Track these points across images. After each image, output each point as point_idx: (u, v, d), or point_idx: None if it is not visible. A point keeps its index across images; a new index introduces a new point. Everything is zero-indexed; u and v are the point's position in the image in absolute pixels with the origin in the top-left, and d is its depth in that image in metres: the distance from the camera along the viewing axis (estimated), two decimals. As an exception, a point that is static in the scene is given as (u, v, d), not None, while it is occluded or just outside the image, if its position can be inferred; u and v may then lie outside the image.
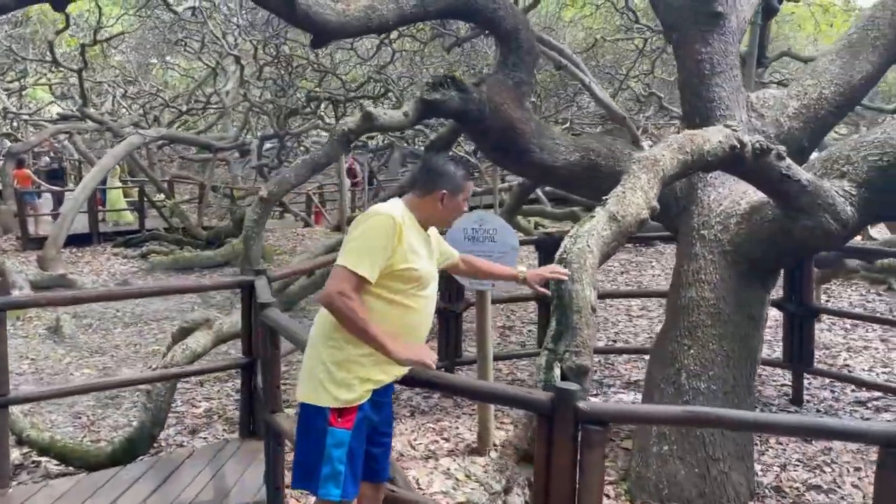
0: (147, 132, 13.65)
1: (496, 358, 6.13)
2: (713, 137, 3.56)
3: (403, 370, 2.64)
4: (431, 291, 2.70)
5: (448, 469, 4.40)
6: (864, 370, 6.32)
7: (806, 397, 5.60)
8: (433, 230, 2.82)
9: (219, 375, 6.05)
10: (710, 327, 4.29)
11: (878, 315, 7.60)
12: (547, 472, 2.18)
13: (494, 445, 4.78)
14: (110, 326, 8.61)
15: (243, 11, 14.86)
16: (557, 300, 2.99)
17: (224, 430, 5.20)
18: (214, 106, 18.92)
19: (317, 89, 15.38)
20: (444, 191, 2.65)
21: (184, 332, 5.54)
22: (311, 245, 15.16)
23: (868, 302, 8.85)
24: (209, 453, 3.98)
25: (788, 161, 3.75)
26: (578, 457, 2.15)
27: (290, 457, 3.34)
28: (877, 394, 5.67)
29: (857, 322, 7.72)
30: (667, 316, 4.63)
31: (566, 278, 2.92)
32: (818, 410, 5.45)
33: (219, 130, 19.51)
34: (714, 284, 4.36)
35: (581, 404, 2.14)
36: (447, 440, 4.90)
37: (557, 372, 2.81)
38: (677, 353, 4.32)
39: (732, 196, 4.57)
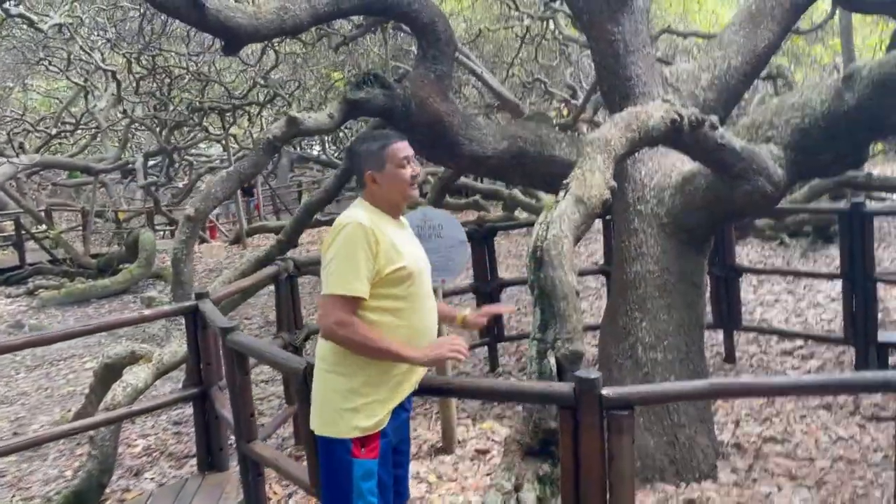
0: (19, 160, 12.67)
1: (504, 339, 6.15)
2: (655, 113, 3.63)
3: (420, 377, 2.53)
4: (427, 283, 2.58)
5: (417, 473, 4.32)
6: (780, 322, 6.69)
7: (737, 354, 5.86)
8: None
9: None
10: (658, 298, 4.40)
11: (796, 270, 8.05)
12: (575, 464, 2.15)
13: (459, 442, 4.74)
14: (11, 373, 7.95)
15: (110, 24, 14.05)
16: (539, 290, 2.97)
17: (170, 467, 4.90)
18: (87, 126, 17.83)
19: (199, 100, 14.76)
20: (369, 171, 2.50)
21: (110, 369, 5.18)
22: (211, 262, 14.59)
23: (766, 258, 9.38)
24: (170, 494, 3.73)
25: (721, 130, 3.88)
26: (606, 445, 2.13)
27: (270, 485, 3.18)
28: (798, 342, 6.01)
29: (763, 278, 8.18)
30: (613, 291, 4.72)
31: (511, 312, 2.93)
32: (751, 365, 5.72)
33: (94, 152, 18.42)
34: (657, 257, 4.47)
35: (605, 391, 2.12)
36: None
37: (552, 360, 2.79)
38: (630, 327, 4.41)
39: (662, 170, 4.70)
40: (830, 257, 8.90)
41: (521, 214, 12.38)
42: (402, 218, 2.64)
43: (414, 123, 4.94)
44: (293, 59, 16.45)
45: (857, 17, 12.13)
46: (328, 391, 2.44)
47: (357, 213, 2.44)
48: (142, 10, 13.24)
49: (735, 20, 5.19)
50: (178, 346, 4.34)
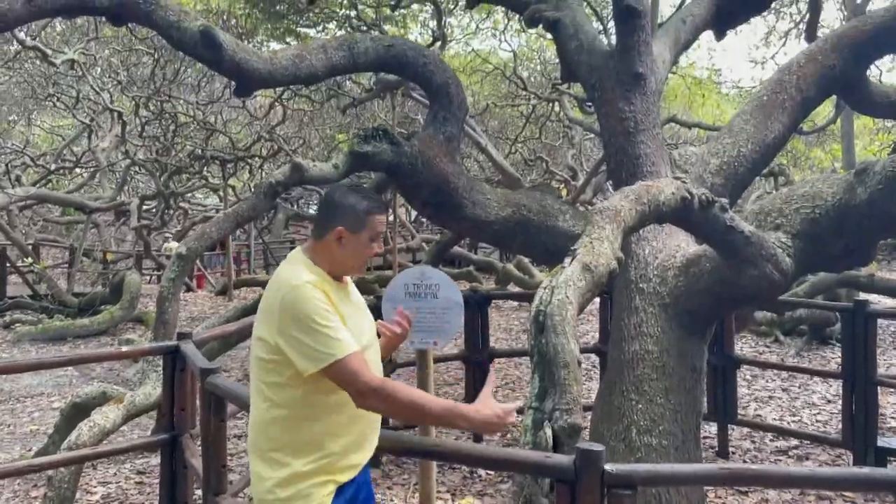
0: (14, 192, 12.58)
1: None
2: (666, 188, 3.57)
3: (374, 444, 2.30)
4: (375, 352, 2.34)
5: (391, 546, 4.07)
6: (774, 419, 6.52)
7: (730, 449, 5.66)
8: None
9: (115, 456, 5.41)
10: (655, 381, 4.25)
11: (797, 366, 7.93)
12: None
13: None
14: (-26, 406, 7.64)
15: (123, 67, 14.22)
16: (539, 356, 2.83)
17: (128, 518, 4.62)
18: (86, 165, 17.84)
19: (202, 148, 14.82)
20: (341, 227, 2.19)
21: (78, 409, 4.95)
22: (195, 311, 14.35)
23: (760, 354, 9.25)
24: (125, 547, 3.48)
25: (731, 213, 3.82)
26: (606, 525, 1.95)
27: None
28: (794, 442, 5.83)
29: (757, 373, 8.04)
30: (609, 370, 4.57)
31: (398, 330, 2.57)
32: (744, 461, 5.52)
33: (90, 192, 18.36)
34: (657, 337, 4.34)
35: (608, 466, 1.96)
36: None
37: (549, 432, 2.63)
38: (625, 409, 4.24)
39: (667, 249, 4.62)
40: (826, 358, 8.78)
41: (513, 289, 12.29)
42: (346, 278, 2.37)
43: (419, 182, 4.89)
44: (300, 117, 16.65)
45: (858, 124, 12.38)
46: (263, 490, 2.16)
47: (301, 275, 2.14)
48: (156, 57, 13.43)
49: (746, 109, 5.22)
50: (151, 388, 4.14)
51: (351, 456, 2.23)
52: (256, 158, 15.39)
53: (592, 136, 16.19)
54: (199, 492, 4.42)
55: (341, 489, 2.21)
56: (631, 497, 1.94)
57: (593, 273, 3.07)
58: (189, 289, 17.39)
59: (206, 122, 14.57)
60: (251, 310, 5.62)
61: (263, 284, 15.53)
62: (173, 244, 17.96)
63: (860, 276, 7.13)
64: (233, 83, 4.69)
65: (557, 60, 18.86)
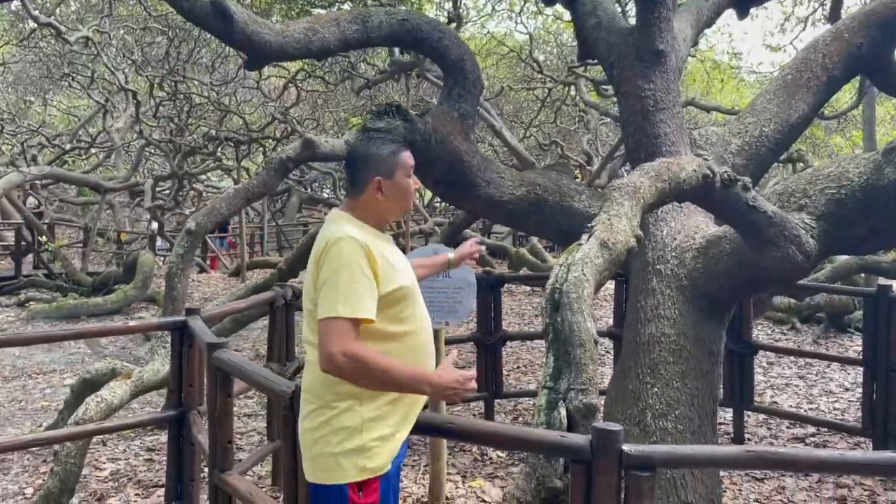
0: (28, 170, 12.60)
1: (502, 396, 5.89)
2: (688, 166, 3.47)
3: (418, 410, 2.26)
4: (422, 303, 2.36)
5: (401, 528, 4.02)
6: (791, 407, 6.41)
7: (746, 436, 5.57)
8: None
9: (125, 432, 5.39)
10: (672, 364, 4.15)
11: (817, 352, 7.82)
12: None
13: (447, 499, 4.43)
14: (-13, 381, 7.66)
15: (137, 46, 14.16)
16: (553, 334, 2.75)
17: (137, 495, 4.58)
18: (101, 146, 17.84)
19: (217, 129, 14.75)
20: (378, 177, 2.24)
21: (88, 385, 4.92)
22: (208, 291, 14.36)
23: (776, 341, 9.12)
24: (131, 523, 3.44)
25: (754, 192, 3.70)
26: (622, 508, 1.88)
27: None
28: (811, 430, 5.73)
29: (773, 360, 7.92)
30: (624, 353, 4.48)
31: (481, 249, 2.81)
32: (760, 448, 5.42)
33: (104, 172, 18.38)
34: (674, 320, 4.24)
35: (626, 447, 1.88)
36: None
37: (563, 412, 2.55)
38: (640, 392, 4.15)
39: (685, 231, 4.51)
40: (844, 346, 8.64)
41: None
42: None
43: (433, 160, 4.79)
44: (314, 99, 16.55)
45: (879, 111, 12.13)
46: (325, 432, 2.13)
47: (346, 229, 2.16)
48: (170, 36, 13.36)
49: (769, 88, 5.08)
50: (160, 364, 4.09)
51: (411, 416, 2.22)
52: (270, 140, 15.32)
53: (608, 120, 15.99)
54: (206, 469, 4.40)
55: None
56: (649, 479, 1.86)
57: (611, 250, 2.98)
58: (202, 270, 17.41)
59: (219, 103, 14.49)
60: (261, 288, 5.58)
61: (273, 266, 15.56)
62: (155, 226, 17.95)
63: (882, 261, 6.97)
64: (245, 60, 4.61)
65: (574, 43, 18.57)
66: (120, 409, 3.99)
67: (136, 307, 12.00)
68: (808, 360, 7.75)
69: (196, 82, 15.03)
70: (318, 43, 4.54)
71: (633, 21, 5.35)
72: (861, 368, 7.28)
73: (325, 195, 25.81)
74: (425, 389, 2.12)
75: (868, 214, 3.83)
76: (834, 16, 7.10)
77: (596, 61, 12.53)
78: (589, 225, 3.10)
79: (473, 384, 2.18)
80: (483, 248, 3.85)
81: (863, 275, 8.35)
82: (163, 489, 4.60)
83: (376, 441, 2.13)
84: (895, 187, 3.66)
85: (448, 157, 4.81)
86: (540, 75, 14.23)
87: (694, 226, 4.50)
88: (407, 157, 2.37)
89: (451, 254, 2.90)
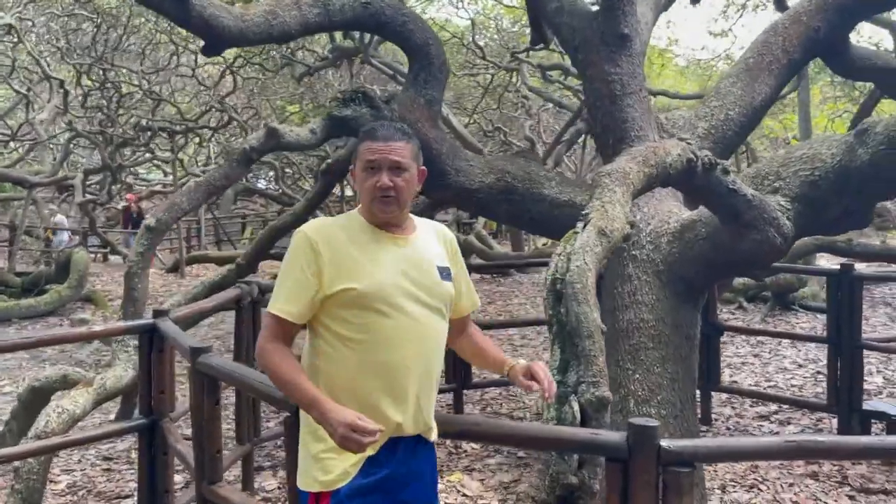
0: (-53, 165, 11.82)
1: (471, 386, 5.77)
2: (673, 150, 3.43)
3: (399, 420, 1.98)
4: (400, 314, 1.97)
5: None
6: (751, 385, 6.54)
7: (713, 416, 5.65)
8: (449, 243, 2.19)
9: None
10: (652, 350, 4.14)
11: (782, 332, 8.01)
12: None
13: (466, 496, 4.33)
14: (-85, 392, 7.15)
15: (62, 33, 13.46)
16: (557, 326, 2.67)
17: (98, 508, 4.34)
18: (22, 140, 16.95)
19: (149, 119, 14.16)
20: (352, 166, 2.10)
21: (37, 394, 4.62)
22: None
23: (726, 321, 9.31)
24: (103, 540, 3.22)
25: (733, 176, 3.71)
26: (661, 506, 1.81)
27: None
28: (773, 407, 5.85)
29: (726, 339, 8.07)
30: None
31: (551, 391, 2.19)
32: (728, 428, 5.51)
33: (27, 166, 17.48)
34: (651, 305, 4.22)
35: (664, 443, 1.81)
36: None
37: (576, 406, 2.47)
38: (621, 379, 4.13)
39: (659, 216, 4.50)
40: (790, 324, 8.90)
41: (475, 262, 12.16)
42: (415, 231, 2.12)
43: (400, 148, 4.65)
44: (250, 87, 16.09)
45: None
46: (302, 431, 2.06)
47: (314, 222, 2.09)
48: (97, 22, 12.75)
49: (733, 72, 5.12)
50: (122, 370, 3.86)
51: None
52: (206, 130, 14.81)
53: (550, 106, 16.07)
54: (179, 478, 4.18)
55: (371, 460, 1.97)
56: (689, 475, 1.80)
57: (609, 238, 2.91)
58: (138, 266, 16.79)
59: (151, 92, 13.92)
60: (219, 286, 5.36)
61: (216, 261, 15.12)
62: (60, 217, 17.25)
63: (837, 240, 7.18)
64: (190, 50, 4.37)
65: (515, 29, 18.57)
66: (82, 419, 3.75)
67: (72, 308, 11.47)
68: (759, 338, 7.94)
69: (125, 70, 14.42)
70: (279, 27, 4.34)
71: (594, 7, 5.31)
72: (812, 345, 7.54)
73: (261, 186, 25.25)
74: (314, 416, 1.91)
75: (841, 195, 3.88)
76: (781, 3, 7.21)
77: (541, 47, 12.53)
78: (583, 213, 3.03)
79: (369, 440, 1.82)
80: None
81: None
82: (127, 500, 4.38)
83: (328, 452, 1.95)
84: (868, 168, 3.71)
85: (416, 145, 4.68)
86: (482, 61, 14.16)
87: (667, 210, 4.49)
88: (367, 148, 2.04)
89: (520, 362, 2.27)
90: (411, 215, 2.15)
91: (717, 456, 2.02)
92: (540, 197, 4.93)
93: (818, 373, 6.84)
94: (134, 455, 5.13)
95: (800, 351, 7.54)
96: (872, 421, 4.91)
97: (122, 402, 5.03)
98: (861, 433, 4.84)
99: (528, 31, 17.30)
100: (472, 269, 10.81)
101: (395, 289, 1.99)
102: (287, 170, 20.09)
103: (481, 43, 15.47)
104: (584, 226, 2.94)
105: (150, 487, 3.42)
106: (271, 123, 4.24)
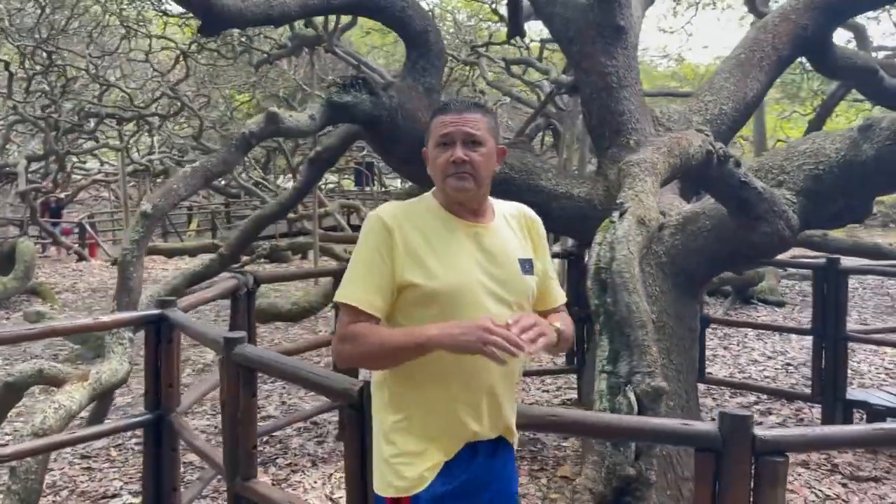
0: None
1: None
2: (695, 141, 3.44)
3: (476, 429, 1.85)
4: (476, 312, 1.78)
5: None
6: (726, 376, 6.66)
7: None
8: (534, 229, 2.01)
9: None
10: (657, 342, 4.13)
11: (769, 324, 8.20)
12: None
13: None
14: None
15: (4, 14, 12.79)
16: (605, 317, 2.64)
17: (84, 509, 4.12)
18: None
19: (95, 104, 13.59)
20: (425, 147, 1.93)
21: (11, 389, 4.36)
22: (94, 282, 13.34)
23: (688, 314, 9.49)
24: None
25: (744, 169, 3.75)
26: (753, 498, 1.79)
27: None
28: (752, 398, 5.97)
29: (693, 332, 8.23)
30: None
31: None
32: (712, 419, 5.58)
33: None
34: (656, 297, 4.23)
35: (758, 432, 1.79)
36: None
37: (632, 397, 2.45)
38: (627, 371, 4.14)
39: (660, 207, 4.52)
40: (751, 317, 9.13)
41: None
42: (495, 217, 1.94)
43: (399, 137, 4.57)
44: (202, 75, 15.66)
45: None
46: (376, 432, 1.92)
47: (388, 205, 1.90)
48: (42, 4, 12.18)
49: (725, 67, 5.18)
50: (118, 363, 3.66)
51: (451, 434, 1.85)
52: (156, 117, 14.33)
53: (507, 101, 16.11)
54: (188, 477, 4.00)
55: (449, 466, 1.84)
56: (783, 464, 1.79)
57: (647, 227, 2.90)
58: (82, 258, 16.16)
59: (99, 77, 13.37)
60: (201, 276, 5.15)
61: (166, 253, 14.65)
62: None
63: (815, 234, 7.39)
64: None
65: (471, 23, 18.43)
66: (78, 414, 3.54)
67: (17, 300, 10.95)
68: (727, 330, 8.12)
69: (68, 53, 13.81)
70: (279, 8, 4.20)
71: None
72: (777, 337, 7.75)
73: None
74: (427, 336, 1.73)
75: (844, 190, 3.96)
76: (752, 5, 7.37)
77: (502, 41, 12.43)
78: (619, 202, 3.00)
79: (502, 334, 1.64)
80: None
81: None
82: (114, 500, 4.19)
83: (399, 457, 1.84)
84: (873, 163, 3.79)
85: (415, 133, 4.58)
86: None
87: (668, 203, 4.52)
88: (439, 121, 1.88)
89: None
90: (491, 198, 1.97)
91: (809, 445, 2.01)
92: (538, 188, 4.90)
93: (787, 364, 7.03)
94: (114, 453, 4.93)
95: (766, 343, 7.73)
96: (855, 411, 5.05)
97: (98, 403, 4.75)
98: (843, 422, 4.98)
99: (485, 24, 17.32)
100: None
101: (471, 285, 1.83)
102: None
103: (440, 35, 15.38)
104: (621, 215, 2.92)
105: (157, 485, 3.26)
106: (273, 109, 4.08)
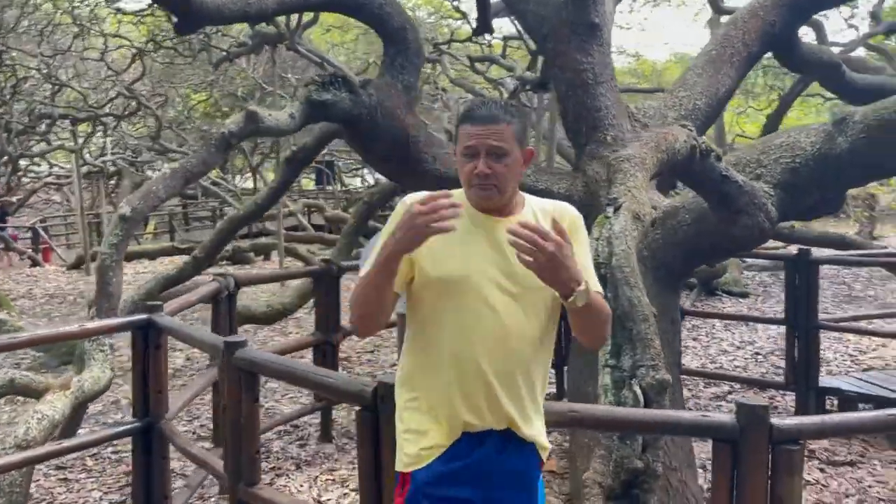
0: None
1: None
2: (680, 136, 3.49)
3: (467, 418, 1.86)
4: (477, 303, 1.85)
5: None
6: (698, 367, 6.78)
7: (671, 398, 5.82)
8: (570, 220, 1.95)
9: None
10: (643, 335, 4.21)
11: (741, 314, 8.34)
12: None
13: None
14: None
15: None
16: (606, 310, 2.66)
17: (63, 521, 4.01)
18: None
19: (46, 104, 13.21)
20: (454, 145, 1.97)
21: (-18, 400, 4.22)
22: (51, 288, 12.98)
23: (655, 307, 9.64)
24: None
25: (724, 163, 3.81)
26: (770, 486, 1.83)
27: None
28: (725, 387, 6.09)
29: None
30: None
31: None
32: (689, 409, 5.68)
33: None
34: (638, 291, 4.29)
35: (775, 421, 1.83)
36: (355, 490, 4.26)
37: (637, 390, 2.47)
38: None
39: (640, 202, 4.58)
40: (716, 308, 9.31)
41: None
42: (520, 212, 1.93)
43: (378, 135, 4.54)
44: (158, 75, 15.36)
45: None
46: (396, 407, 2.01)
47: (417, 193, 1.91)
48: (-11, 0, 11.79)
49: (697, 63, 5.27)
50: (99, 370, 3.56)
51: (451, 416, 1.87)
52: (111, 117, 14.00)
53: (470, 97, 16.12)
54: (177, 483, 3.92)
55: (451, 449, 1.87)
56: (799, 452, 1.82)
57: (642, 222, 2.95)
58: (35, 263, 15.71)
59: (51, 76, 13.00)
60: (175, 280, 5.04)
61: (124, 256, 14.30)
62: None
63: (783, 227, 7.56)
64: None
65: (431, 20, 18.42)
66: (61, 425, 3.43)
67: (-30, 308, 10.58)
68: (694, 322, 8.26)
69: (17, 52, 13.40)
70: (256, 5, 4.14)
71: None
72: (745, 327, 7.92)
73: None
74: (384, 251, 1.79)
75: (820, 182, 4.06)
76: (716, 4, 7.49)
77: (464, 38, 12.42)
78: (611, 197, 3.04)
79: (432, 213, 1.69)
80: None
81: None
82: (96, 512, 4.08)
83: (407, 434, 1.92)
84: (847, 156, 3.89)
85: (394, 131, 4.57)
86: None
87: (646, 198, 4.57)
88: (463, 131, 1.91)
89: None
90: (526, 195, 2.02)
91: (824, 432, 2.06)
92: (518, 185, 4.91)
93: (756, 353, 7.19)
94: (90, 462, 4.81)
95: (734, 333, 7.90)
96: (828, 398, 5.19)
97: (70, 417, 4.52)
98: (816, 410, 5.11)
99: (445, 22, 17.29)
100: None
101: (475, 275, 1.87)
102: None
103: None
104: (616, 210, 2.95)
105: (147, 494, 3.18)
106: (253, 107, 4.01)
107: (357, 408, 2.11)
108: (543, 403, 1.98)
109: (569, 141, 5.53)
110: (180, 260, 16.60)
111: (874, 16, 9.76)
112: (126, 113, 13.84)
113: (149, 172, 25.20)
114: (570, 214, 1.98)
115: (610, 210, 2.96)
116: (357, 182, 30.28)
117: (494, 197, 1.90)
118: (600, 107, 4.90)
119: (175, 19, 3.97)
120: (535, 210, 1.98)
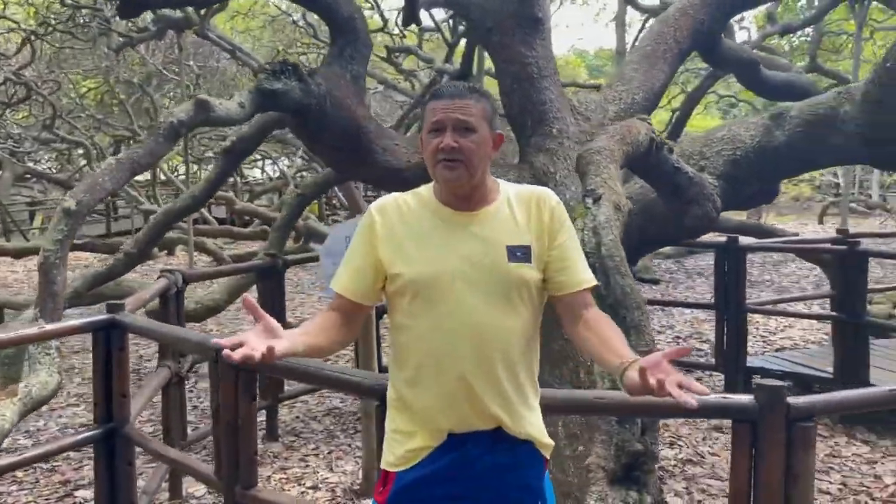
0: None
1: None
2: (641, 129, 3.61)
3: (447, 426, 1.81)
4: (450, 302, 1.78)
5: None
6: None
7: (607, 382, 6.01)
8: (555, 214, 1.88)
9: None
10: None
11: (674, 300, 8.63)
12: (751, 490, 1.93)
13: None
14: None
15: None
16: (597, 300, 2.70)
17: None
18: None
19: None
20: (421, 136, 1.87)
21: None
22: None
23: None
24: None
25: (675, 155, 3.97)
26: (787, 462, 1.94)
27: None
28: (698, 373, 6.31)
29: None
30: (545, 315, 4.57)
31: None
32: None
33: None
34: (590, 280, 4.41)
35: (791, 400, 1.93)
36: (312, 488, 4.19)
37: (633, 375, 2.54)
38: (568, 351, 4.22)
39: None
40: (646, 293, 9.68)
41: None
42: (493, 203, 1.84)
43: (327, 126, 4.45)
44: (47, 60, 14.41)
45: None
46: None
47: (384, 197, 1.91)
48: None
49: (633, 58, 5.44)
50: (47, 375, 3.33)
51: (433, 416, 1.82)
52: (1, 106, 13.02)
53: (381, 89, 16.01)
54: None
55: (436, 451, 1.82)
56: (812, 429, 1.94)
57: (622, 212, 3.02)
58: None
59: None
60: (106, 277, 4.76)
61: (13, 253, 13.42)
62: None
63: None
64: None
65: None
66: (9, 433, 3.18)
67: None
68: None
69: None
70: (203, -11, 3.96)
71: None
72: (662, 313, 8.26)
73: (44, 169, 22.72)
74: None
75: (759, 174, 4.30)
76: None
77: (377, 29, 12.30)
78: (589, 188, 3.10)
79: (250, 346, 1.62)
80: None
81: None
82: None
83: (395, 434, 1.88)
84: (785, 149, 4.14)
85: (344, 122, 4.49)
86: (315, 41, 13.76)
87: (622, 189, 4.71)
88: (431, 108, 1.83)
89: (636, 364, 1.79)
90: (502, 182, 1.91)
91: (836, 408, 2.18)
92: (465, 177, 4.93)
93: (677, 337, 7.53)
94: (20, 474, 4.50)
95: (652, 319, 8.22)
96: (754, 376, 5.49)
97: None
98: (744, 389, 5.40)
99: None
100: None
101: (444, 274, 1.79)
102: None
103: (315, 20, 15.05)
104: (595, 201, 3.01)
105: (111, 502, 3.00)
106: (203, 96, 3.84)
107: (376, 403, 2.07)
108: (567, 392, 2.01)
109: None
110: (84, 256, 15.65)
111: (770, 17, 10.37)
112: (12, 101, 12.91)
113: (30, 164, 23.65)
114: (550, 203, 1.88)
115: (589, 201, 3.02)
116: (257, 173, 29.45)
117: (463, 177, 1.77)
118: (545, 100, 4.99)
119: (118, 1, 3.74)
120: (511, 196, 1.88)
